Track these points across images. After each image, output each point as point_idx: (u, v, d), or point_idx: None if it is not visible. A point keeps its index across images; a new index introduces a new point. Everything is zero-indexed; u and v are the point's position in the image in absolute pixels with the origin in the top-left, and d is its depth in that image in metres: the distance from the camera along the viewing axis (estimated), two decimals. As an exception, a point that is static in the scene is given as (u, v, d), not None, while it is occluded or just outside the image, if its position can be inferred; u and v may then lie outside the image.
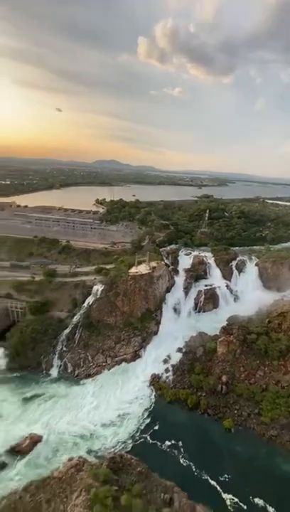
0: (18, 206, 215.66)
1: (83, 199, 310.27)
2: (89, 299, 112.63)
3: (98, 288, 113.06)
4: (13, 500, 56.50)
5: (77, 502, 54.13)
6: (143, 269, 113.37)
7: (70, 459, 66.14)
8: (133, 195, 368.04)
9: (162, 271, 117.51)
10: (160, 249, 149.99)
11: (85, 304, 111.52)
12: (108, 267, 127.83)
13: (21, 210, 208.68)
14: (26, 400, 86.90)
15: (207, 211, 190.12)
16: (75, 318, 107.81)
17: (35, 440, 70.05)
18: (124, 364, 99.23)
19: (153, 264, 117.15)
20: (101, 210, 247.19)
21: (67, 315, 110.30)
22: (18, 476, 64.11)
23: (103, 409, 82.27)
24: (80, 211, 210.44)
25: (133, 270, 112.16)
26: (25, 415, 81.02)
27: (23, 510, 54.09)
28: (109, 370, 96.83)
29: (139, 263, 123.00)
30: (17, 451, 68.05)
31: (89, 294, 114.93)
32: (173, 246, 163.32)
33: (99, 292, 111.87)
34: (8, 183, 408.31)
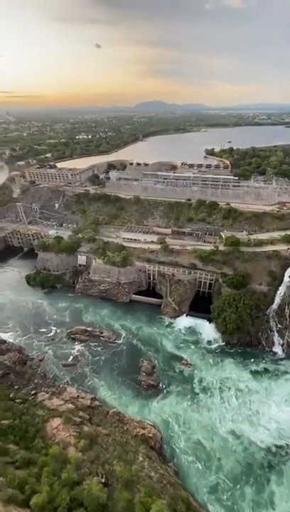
0: (139, 164, 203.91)
1: (183, 150, 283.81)
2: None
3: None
4: None
5: None
6: None
7: None
8: (229, 142, 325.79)
9: None
10: None
11: (287, 278, 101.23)
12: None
13: (143, 168, 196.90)
14: (255, 374, 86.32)
15: None
16: (280, 293, 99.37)
17: None
18: None
19: None
20: (216, 162, 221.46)
21: (268, 289, 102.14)
22: None
23: None
24: (208, 166, 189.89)
25: None
26: (274, 392, 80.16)
27: None
28: None
29: None
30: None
31: (288, 266, 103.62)
32: None
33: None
34: (90, 137, 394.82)
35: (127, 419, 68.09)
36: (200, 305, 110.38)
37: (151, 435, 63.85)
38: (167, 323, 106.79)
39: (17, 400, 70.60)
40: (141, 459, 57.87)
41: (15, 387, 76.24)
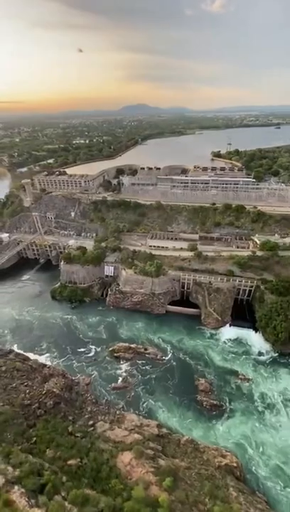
0: (150, 169, 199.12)
1: (187, 152, 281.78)
2: None
3: None
4: None
5: None
6: None
7: None
8: (229, 144, 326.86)
9: None
10: None
11: None
12: None
13: (155, 172, 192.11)
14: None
15: None
16: None
17: None
18: None
19: None
20: (225, 164, 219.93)
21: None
22: None
23: None
24: (222, 168, 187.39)
25: None
26: None
27: None
28: None
29: None
30: None
31: None
32: None
33: None
34: (87, 141, 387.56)
35: (203, 447, 62.55)
36: (240, 313, 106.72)
37: (234, 464, 58.63)
38: (208, 334, 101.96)
39: (77, 434, 63.84)
40: (234, 493, 52.51)
41: (70, 417, 69.41)
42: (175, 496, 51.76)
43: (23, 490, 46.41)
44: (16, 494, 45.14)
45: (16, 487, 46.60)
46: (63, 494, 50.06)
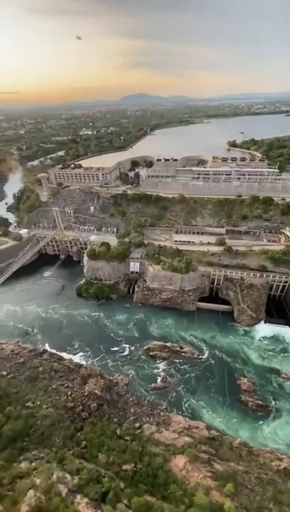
0: (167, 160, 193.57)
1: (201, 142, 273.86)
2: None
3: None
4: None
5: None
6: None
7: None
8: (242, 132, 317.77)
9: None
10: None
11: None
12: None
13: (173, 164, 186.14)
14: None
15: None
16: None
17: None
18: None
19: None
20: (242, 154, 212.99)
21: None
22: None
23: None
24: (243, 159, 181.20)
25: None
26: None
27: None
28: None
29: None
30: None
31: None
32: None
33: None
34: (95, 133, 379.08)
35: (257, 450, 60.79)
36: (273, 309, 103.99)
37: (293, 468, 57.00)
38: (242, 331, 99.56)
39: (126, 438, 62.36)
40: (299, 499, 50.96)
41: (115, 420, 67.92)
42: (239, 501, 50.21)
43: (87, 499, 44.69)
44: (82, 505, 43.38)
45: (79, 496, 44.79)
46: (125, 502, 48.59)
